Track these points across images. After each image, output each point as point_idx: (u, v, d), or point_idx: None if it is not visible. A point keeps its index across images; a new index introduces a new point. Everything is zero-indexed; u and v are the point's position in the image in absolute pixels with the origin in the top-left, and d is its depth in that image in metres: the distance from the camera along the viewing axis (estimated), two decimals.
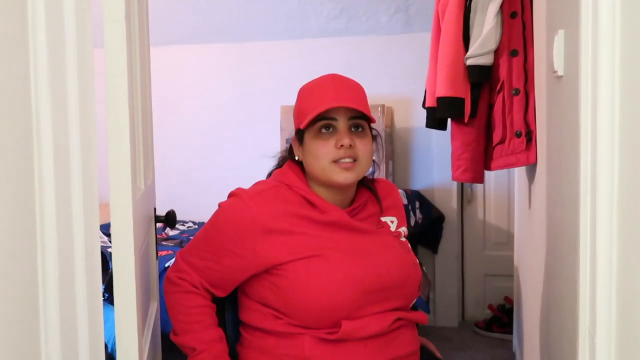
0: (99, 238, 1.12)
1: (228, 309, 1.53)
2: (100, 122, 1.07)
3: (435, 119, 2.36)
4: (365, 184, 1.49)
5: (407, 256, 1.47)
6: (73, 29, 0.97)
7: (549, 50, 1.45)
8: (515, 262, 3.10)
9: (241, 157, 3.87)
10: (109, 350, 1.97)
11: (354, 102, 1.36)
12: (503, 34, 2.03)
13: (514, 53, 2.01)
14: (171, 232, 3.46)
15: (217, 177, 3.84)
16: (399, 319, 1.41)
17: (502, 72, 2.02)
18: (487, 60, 2.06)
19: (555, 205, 1.44)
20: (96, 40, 1.06)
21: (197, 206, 3.87)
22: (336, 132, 1.36)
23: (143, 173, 1.48)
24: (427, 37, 2.50)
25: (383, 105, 3.29)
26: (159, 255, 2.59)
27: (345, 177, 1.35)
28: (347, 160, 1.35)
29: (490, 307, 3.56)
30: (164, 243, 3.13)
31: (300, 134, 1.41)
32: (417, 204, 3.31)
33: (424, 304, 2.41)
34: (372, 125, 1.43)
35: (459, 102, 2.16)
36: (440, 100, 2.22)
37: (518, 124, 1.98)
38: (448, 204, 3.61)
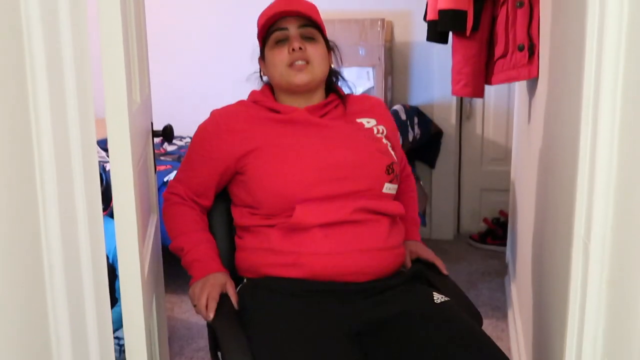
0: (97, 152, 1.12)
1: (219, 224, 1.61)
2: (93, 36, 1.04)
3: (437, 33, 2.31)
4: (335, 90, 1.59)
5: (370, 142, 1.50)
6: None
7: None
8: (512, 176, 3.12)
9: (236, 72, 3.80)
10: (110, 261, 2.01)
11: (302, 9, 1.48)
12: None
13: None
14: (169, 148, 3.46)
15: (214, 92, 3.80)
16: (366, 211, 1.41)
17: None
18: None
19: (556, 119, 1.43)
20: None
21: (195, 122, 3.85)
22: (288, 41, 1.48)
23: (139, 85, 1.46)
24: None
25: (383, 19, 3.21)
26: (157, 169, 2.60)
27: (300, 77, 1.47)
28: (299, 62, 1.47)
29: (485, 220, 3.62)
30: (162, 158, 3.14)
31: (262, 52, 1.55)
32: (416, 120, 3.29)
33: (420, 217, 2.44)
34: (330, 39, 1.56)
35: (462, 14, 2.11)
36: (442, 12, 2.16)
37: (521, 37, 1.94)
38: (447, 119, 3.59)
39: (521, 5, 1.94)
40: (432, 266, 1.58)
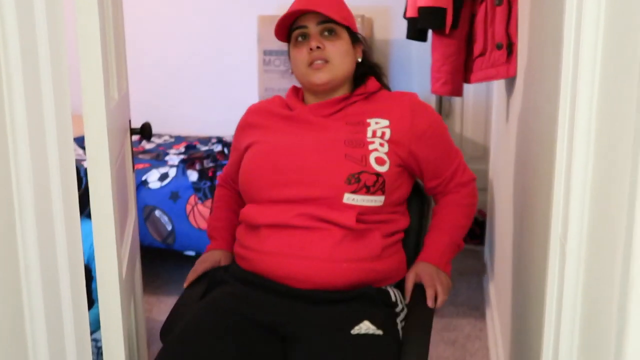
0: (74, 151, 1.10)
1: None
2: (70, 32, 1.03)
3: (416, 30, 2.32)
4: (364, 83, 1.52)
5: (343, 148, 1.40)
6: None
7: None
8: (490, 175, 3.15)
9: (216, 68, 3.79)
10: (86, 261, 1.99)
11: (321, 7, 1.44)
12: None
13: None
14: (148, 145, 3.43)
15: (192, 90, 3.78)
16: (315, 218, 1.35)
17: None
18: None
19: (534, 118, 1.45)
20: None
21: (174, 119, 3.82)
22: (309, 39, 1.46)
23: (117, 82, 1.44)
24: None
25: (362, 16, 3.21)
26: (135, 168, 2.58)
27: (319, 77, 1.45)
28: (318, 62, 1.45)
29: None
30: (140, 156, 3.11)
31: (289, 50, 1.54)
32: None
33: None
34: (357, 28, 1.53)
35: (441, 12, 2.12)
36: (421, 10, 2.17)
37: (499, 36, 1.95)
38: None
39: (500, 3, 1.95)
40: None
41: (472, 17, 2.13)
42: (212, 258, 1.56)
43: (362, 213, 1.38)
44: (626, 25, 0.65)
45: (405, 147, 1.44)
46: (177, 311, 1.41)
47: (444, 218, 1.53)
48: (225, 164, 2.84)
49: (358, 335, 1.26)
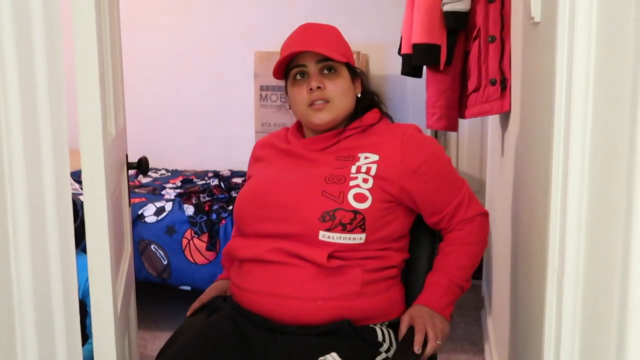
0: (70, 185, 1.10)
1: None
2: (69, 67, 1.04)
3: (411, 66, 2.34)
4: (361, 116, 1.50)
5: (322, 185, 1.37)
6: None
7: None
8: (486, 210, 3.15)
9: (213, 103, 3.82)
10: (80, 296, 1.97)
11: (319, 46, 1.42)
12: None
13: None
14: (144, 180, 3.43)
15: (189, 125, 3.80)
16: (288, 254, 1.35)
17: (479, 19, 2.00)
18: (464, 6, 2.04)
19: (528, 153, 1.46)
20: None
21: (170, 153, 3.83)
22: (308, 78, 1.45)
23: (114, 117, 1.45)
24: None
25: (358, 52, 3.26)
26: (131, 202, 2.57)
27: (320, 117, 1.44)
28: (318, 102, 1.43)
29: None
30: (137, 190, 3.11)
31: (286, 86, 1.52)
32: None
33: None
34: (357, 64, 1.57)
35: (435, 48, 2.15)
36: (416, 46, 2.20)
37: (493, 72, 1.98)
38: None
39: (493, 40, 1.98)
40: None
41: (466, 53, 2.16)
42: (219, 287, 1.59)
43: (339, 250, 1.34)
44: (617, 62, 0.67)
45: (395, 183, 1.40)
46: (175, 336, 1.44)
47: (445, 258, 1.47)
48: (221, 198, 2.85)
49: None
